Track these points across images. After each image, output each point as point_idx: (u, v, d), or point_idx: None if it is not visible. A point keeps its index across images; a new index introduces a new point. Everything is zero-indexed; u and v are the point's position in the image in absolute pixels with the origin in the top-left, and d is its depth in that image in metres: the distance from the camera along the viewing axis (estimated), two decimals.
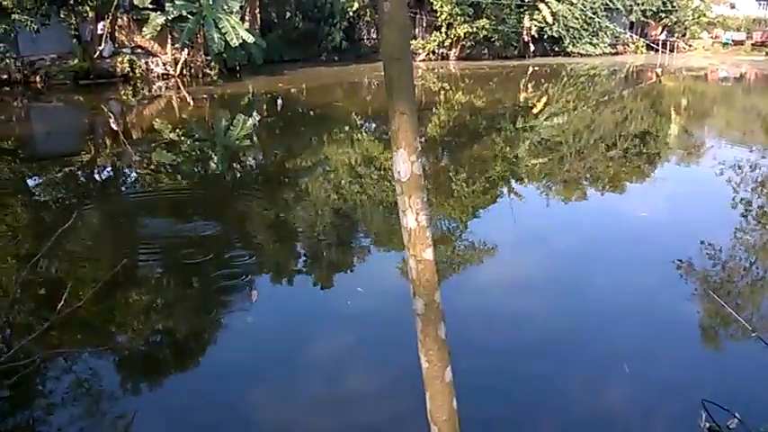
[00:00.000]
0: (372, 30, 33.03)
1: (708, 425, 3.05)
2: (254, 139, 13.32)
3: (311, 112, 17.23)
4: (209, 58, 22.84)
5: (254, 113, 16.34)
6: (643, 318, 4.60)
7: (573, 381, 3.63)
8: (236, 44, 21.53)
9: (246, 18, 25.19)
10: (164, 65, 22.91)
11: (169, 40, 22.54)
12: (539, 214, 7.72)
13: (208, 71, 23.08)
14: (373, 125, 15.24)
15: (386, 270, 5.44)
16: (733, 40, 39.41)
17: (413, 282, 1.33)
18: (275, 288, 5.32)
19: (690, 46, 39.79)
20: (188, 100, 18.79)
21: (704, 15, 39.45)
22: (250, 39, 22.05)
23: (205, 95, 19.40)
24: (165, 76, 22.65)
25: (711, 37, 40.88)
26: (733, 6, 41.99)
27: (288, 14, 29.15)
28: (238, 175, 10.18)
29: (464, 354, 3.94)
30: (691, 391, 3.29)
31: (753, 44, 38.24)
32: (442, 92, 21.37)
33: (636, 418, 3.31)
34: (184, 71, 22.88)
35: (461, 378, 3.52)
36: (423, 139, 12.68)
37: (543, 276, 5.55)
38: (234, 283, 5.36)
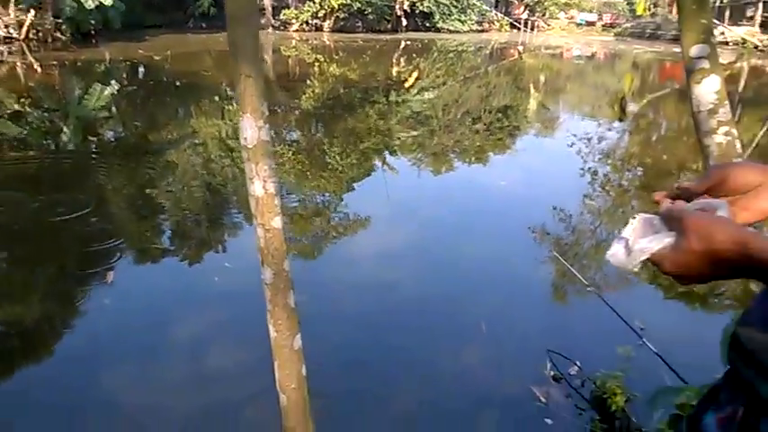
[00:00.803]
0: None
1: (552, 372, 3.37)
2: (113, 109, 12.40)
3: (177, 82, 16.32)
4: (59, 20, 20.77)
5: (113, 82, 15.18)
6: (501, 282, 4.96)
7: (435, 344, 3.85)
8: (92, 6, 19.77)
9: None
10: (6, 27, 20.51)
11: (12, 0, 20.19)
12: (411, 186, 7.96)
13: (58, 35, 21.02)
14: None
15: (254, 244, 5.35)
16: (586, 21, 42.69)
17: (261, 251, 1.34)
18: (138, 267, 5.06)
19: (548, 25, 42.54)
20: (35, 67, 17.03)
21: None
22: (107, 1, 20.34)
23: (55, 62, 17.69)
24: (7, 40, 20.33)
25: (567, 17, 43.97)
26: None
27: None
28: (95, 148, 9.46)
29: (329, 325, 4.04)
30: (539, 344, 3.61)
31: (603, 25, 41.65)
32: (316, 63, 21.15)
33: (491, 371, 3.58)
34: (31, 35, 20.66)
35: (327, 351, 3.62)
36: (297, 112, 12.53)
37: (412, 247, 5.76)
38: (90, 264, 5.02)
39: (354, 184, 7.89)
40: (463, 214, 6.83)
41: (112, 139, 10.15)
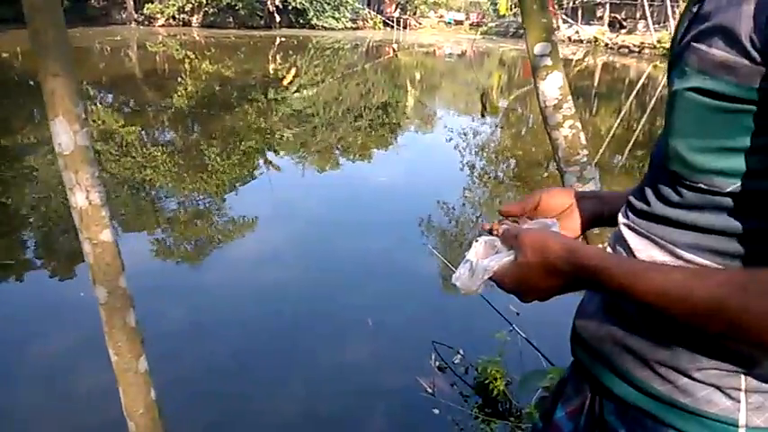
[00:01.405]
0: None
1: (437, 363, 3.43)
2: None
3: (31, 82, 14.86)
4: None
5: None
6: (386, 277, 4.99)
7: (319, 344, 3.79)
8: None
9: None
10: None
11: None
12: (295, 184, 7.82)
13: None
14: (109, 96, 13.80)
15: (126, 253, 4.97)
16: (454, 20, 44.42)
17: (91, 268, 1.19)
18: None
19: (419, 24, 43.80)
20: None
21: None
22: None
23: None
24: None
25: (437, 16, 45.51)
26: None
27: None
28: None
29: (207, 333, 3.84)
30: (424, 335, 3.65)
31: (470, 24, 43.54)
32: (187, 60, 20.23)
33: (378, 366, 3.58)
34: None
35: (204, 362, 3.42)
36: (169, 111, 11.88)
37: (296, 245, 5.66)
38: None
39: (237, 185, 7.61)
40: (348, 211, 6.81)
41: None
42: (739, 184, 0.69)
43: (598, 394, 0.87)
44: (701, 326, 0.64)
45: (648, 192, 0.81)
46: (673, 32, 0.82)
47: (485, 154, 10.17)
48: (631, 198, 0.85)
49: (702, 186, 0.72)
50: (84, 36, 22.90)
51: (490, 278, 0.82)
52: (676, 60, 0.75)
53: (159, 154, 8.70)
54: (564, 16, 36.08)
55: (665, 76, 0.89)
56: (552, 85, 2.21)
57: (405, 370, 3.46)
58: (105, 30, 25.87)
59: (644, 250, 0.79)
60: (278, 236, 5.91)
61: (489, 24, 41.53)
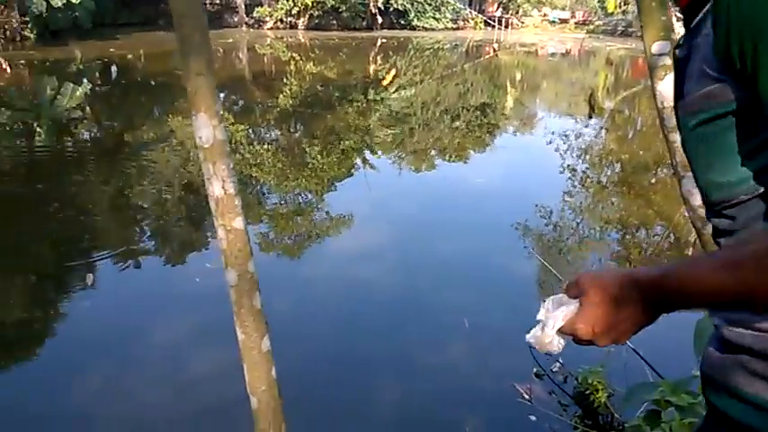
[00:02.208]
0: None
1: (535, 369, 3.36)
2: (87, 110, 12.15)
3: (151, 81, 16.07)
4: (27, 19, 20.33)
5: (85, 81, 14.88)
6: (483, 279, 4.94)
7: (416, 343, 3.83)
8: (59, 4, 19.36)
9: None
10: None
11: None
12: (391, 183, 7.92)
13: (27, 34, 20.57)
14: (221, 96, 14.62)
15: None
16: (559, 19, 43.09)
17: (224, 252, 1.28)
18: (118, 268, 4.93)
19: (522, 23, 42.87)
20: (3, 66, 16.62)
21: None
22: None
23: (24, 61, 17.30)
24: None
25: (541, 15, 44.34)
26: None
27: None
28: (70, 148, 9.24)
29: (308, 325, 3.98)
30: (522, 340, 3.57)
31: (576, 23, 42.08)
32: (293, 62, 21.00)
33: (474, 366, 3.55)
34: None
35: (305, 351, 3.55)
36: (275, 111, 12.40)
37: (392, 244, 5.73)
38: (69, 267, 4.88)
39: (335, 183, 7.82)
40: (444, 211, 6.80)
41: (87, 140, 9.94)
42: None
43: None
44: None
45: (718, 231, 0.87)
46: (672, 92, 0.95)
47: (587, 157, 9.81)
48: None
49: (744, 198, 0.79)
50: None
51: (563, 331, 0.81)
52: (678, 114, 0.89)
53: (264, 151, 9.11)
54: (678, 14, 33.93)
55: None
56: (671, 86, 2.10)
57: (501, 374, 3.41)
58: (218, 32, 27.40)
59: None
60: (375, 234, 6.01)
61: (596, 22, 39.93)
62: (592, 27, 39.16)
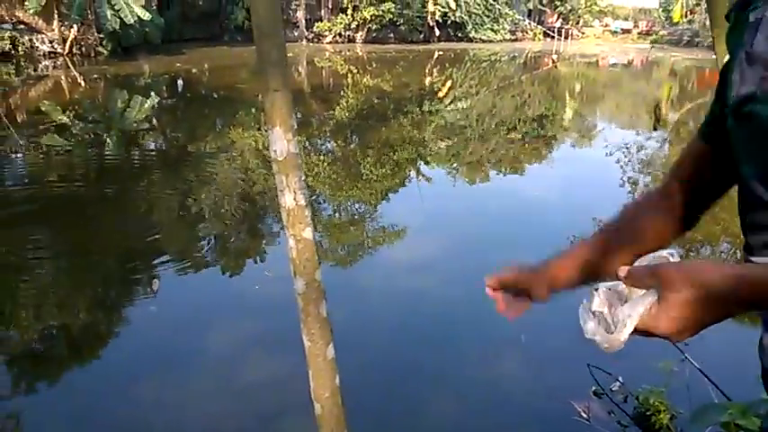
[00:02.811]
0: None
1: (593, 388, 3.28)
2: (154, 121, 12.71)
3: (214, 94, 16.65)
4: (101, 35, 21.46)
5: (153, 95, 15.57)
6: None
7: (472, 356, 3.80)
8: (132, 22, 20.37)
9: None
10: (50, 42, 21.28)
11: (56, 16, 20.93)
12: (445, 196, 7.92)
13: (100, 50, 21.70)
14: None
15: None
16: (621, 29, 42.12)
17: (292, 261, 1.33)
18: (181, 274, 5.12)
19: (583, 33, 42.11)
20: (79, 81, 17.61)
21: (595, 4, 41.81)
22: (146, 16, 20.95)
23: (98, 76, 18.24)
24: (52, 55, 21.09)
25: (602, 25, 43.44)
26: None
27: None
28: (137, 158, 9.69)
29: (363, 336, 4.01)
30: (579, 358, 3.51)
31: (639, 33, 41.02)
32: (350, 75, 21.33)
33: (530, 382, 3.51)
34: (74, 50, 21.39)
35: (361, 362, 3.59)
36: (331, 123, 12.62)
37: (446, 257, 5.71)
38: (135, 272, 5.11)
39: (389, 194, 7.88)
40: (498, 224, 6.74)
41: (153, 150, 10.39)
42: None
43: None
44: None
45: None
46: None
47: (650, 170, 9.52)
48: (750, 238, 0.83)
49: None
50: None
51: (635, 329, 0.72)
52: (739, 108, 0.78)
53: (320, 162, 9.28)
54: None
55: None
56: None
57: (558, 391, 3.35)
58: None
59: None
60: (429, 245, 6.02)
61: (660, 32, 38.79)
62: (655, 37, 38.05)
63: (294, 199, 1.21)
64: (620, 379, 3.30)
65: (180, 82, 18.01)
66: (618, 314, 0.73)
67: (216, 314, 4.46)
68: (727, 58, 2.22)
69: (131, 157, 9.77)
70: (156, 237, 6.02)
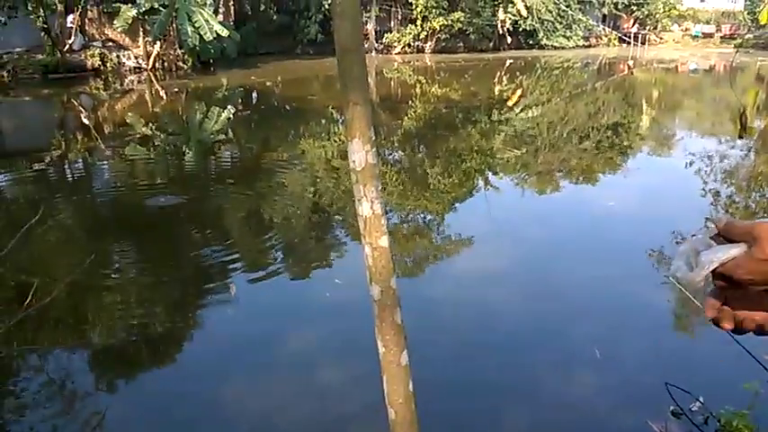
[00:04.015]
0: None
1: (672, 407, 3.14)
2: (229, 133, 13.22)
3: (287, 106, 17.14)
4: (182, 51, 22.55)
5: (229, 107, 16.20)
6: (614, 307, 4.71)
7: (543, 368, 3.71)
8: (210, 38, 21.29)
9: (220, 10, 24.92)
10: (135, 58, 22.57)
11: (141, 33, 22.18)
12: (514, 206, 7.80)
13: (181, 64, 22.79)
14: None
15: (359, 261, 5.44)
16: (703, 33, 40.19)
17: (369, 269, 1.36)
18: (255, 281, 5.30)
19: (661, 38, 40.46)
20: (161, 94, 18.57)
21: (675, 8, 40.11)
22: (224, 32, 21.83)
23: (178, 89, 19.18)
24: (137, 70, 22.34)
25: (682, 29, 41.59)
26: None
27: (262, 7, 28.88)
28: (213, 168, 10.10)
29: (434, 346, 4.00)
30: (656, 375, 3.38)
31: (722, 37, 39.03)
32: (418, 85, 21.41)
33: (605, 402, 3.39)
34: (157, 65, 22.59)
35: (432, 371, 3.58)
36: (399, 132, 12.71)
37: (517, 268, 5.63)
38: (212, 277, 5.33)
39: (456, 204, 7.85)
40: (570, 235, 6.57)
41: (228, 160, 10.81)
42: None
43: None
44: None
45: None
46: None
47: (733, 180, 9.03)
48: None
49: None
50: (332, 66, 25.63)
51: (715, 272, 0.77)
52: None
53: (389, 171, 9.36)
54: None
55: None
56: None
57: (633, 409, 3.24)
58: None
59: None
60: (498, 256, 5.94)
61: (746, 36, 36.76)
62: (740, 41, 36.08)
63: (371, 208, 1.25)
64: (701, 399, 3.14)
65: (254, 94, 18.65)
66: (702, 257, 0.78)
67: (292, 318, 4.58)
68: None
69: (207, 165, 10.19)
70: (231, 243, 6.24)
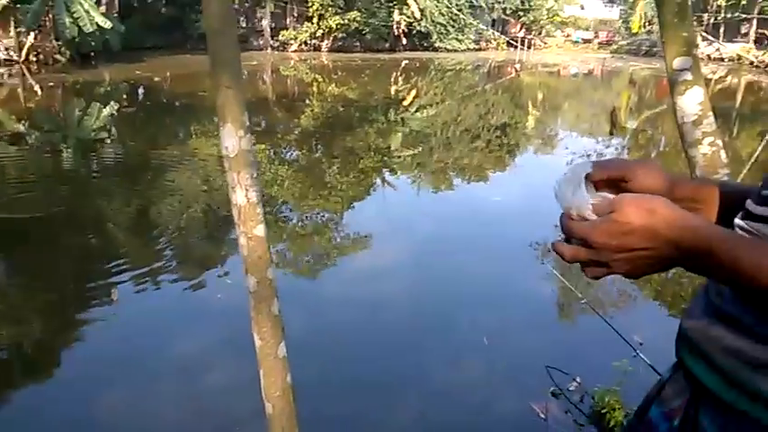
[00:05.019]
0: (242, 18, 32.08)
1: (552, 388, 3.33)
2: (113, 130, 12.45)
3: (176, 103, 16.42)
4: (59, 43, 20.96)
5: (112, 103, 15.26)
6: (501, 298, 4.93)
7: (433, 360, 3.83)
8: (91, 29, 19.95)
9: (103, 1, 23.42)
10: (6, 50, 20.70)
11: (12, 23, 20.38)
12: (410, 203, 7.96)
13: (58, 57, 21.19)
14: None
15: None
16: (582, 39, 43.17)
17: (244, 259, 1.33)
18: (141, 285, 5.01)
19: (545, 43, 42.98)
20: (35, 89, 17.16)
21: (557, 15, 42.76)
22: (106, 24, 20.55)
23: (55, 84, 17.82)
24: (8, 62, 20.52)
25: (564, 35, 44.42)
26: (583, 8, 45.94)
27: None
28: (95, 168, 9.48)
29: (326, 342, 4.00)
30: (539, 359, 3.57)
31: (599, 43, 42.08)
32: (315, 83, 21.31)
33: (491, 387, 3.55)
34: (31, 57, 20.84)
35: (322, 366, 3.57)
36: (296, 131, 12.57)
37: (410, 263, 5.74)
38: (93, 286, 4.99)
39: (354, 202, 7.88)
40: (461, 230, 6.80)
41: (112, 159, 10.17)
42: None
43: (697, 396, 0.85)
44: None
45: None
46: None
47: None
48: (749, 203, 0.80)
49: None
50: None
51: (577, 216, 0.75)
52: None
53: (285, 170, 9.23)
54: (703, 33, 33.80)
55: None
56: (692, 101, 2.12)
57: (517, 392, 3.41)
58: (243, 55, 27.33)
59: None
60: (392, 252, 6.04)
61: (620, 42, 39.85)
62: (615, 47, 39.07)
63: (246, 196, 1.21)
64: (578, 379, 3.37)
65: (141, 90, 17.71)
66: (583, 196, 0.76)
67: (178, 324, 4.38)
68: (677, 61, 2.27)
69: (88, 165, 9.55)
70: (116, 247, 5.89)
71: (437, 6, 34.14)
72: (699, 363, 0.83)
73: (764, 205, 0.78)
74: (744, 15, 33.35)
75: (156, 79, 19.49)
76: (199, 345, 4.01)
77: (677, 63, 2.14)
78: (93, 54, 21.79)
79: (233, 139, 1.18)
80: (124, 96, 16.92)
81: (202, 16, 1.12)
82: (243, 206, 1.22)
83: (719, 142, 2.17)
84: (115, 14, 23.77)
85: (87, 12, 19.96)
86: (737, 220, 0.82)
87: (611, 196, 0.76)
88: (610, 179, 0.84)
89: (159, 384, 3.55)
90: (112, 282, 4.97)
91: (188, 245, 6.10)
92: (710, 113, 2.16)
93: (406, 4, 32.35)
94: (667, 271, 0.73)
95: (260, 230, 1.28)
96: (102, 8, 22.59)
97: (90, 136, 11.54)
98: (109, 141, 11.38)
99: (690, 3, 2.20)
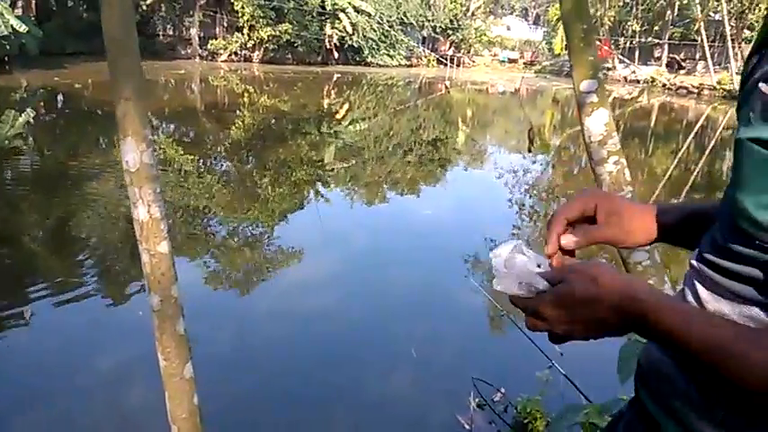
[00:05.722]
0: (169, 26, 31.23)
1: (477, 400, 3.38)
2: (29, 138, 11.78)
3: (99, 111, 15.72)
4: None
5: (29, 110, 14.44)
6: (430, 310, 4.98)
7: (362, 374, 3.82)
8: (5, 32, 18.87)
9: (19, 3, 22.23)
10: None
11: None
12: (343, 216, 7.94)
13: None
14: (171, 126, 14.41)
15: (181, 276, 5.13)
16: (509, 59, 44.67)
17: (147, 277, 1.27)
18: (57, 304, 4.73)
19: (473, 62, 44.22)
20: None
21: (485, 35, 44.12)
22: (21, 27, 19.49)
23: None
24: None
25: (491, 55, 45.85)
26: (509, 28, 47.61)
27: (71, 2, 26.32)
28: (9, 177, 8.91)
29: (254, 356, 3.91)
30: (466, 371, 3.62)
31: (524, 63, 43.65)
32: (246, 94, 20.98)
33: (418, 400, 3.57)
34: None
35: (252, 380, 3.48)
36: (227, 142, 12.31)
37: (342, 276, 5.72)
38: (3, 299, 4.66)
39: (287, 215, 7.78)
40: (393, 244, 6.85)
41: (27, 169, 9.61)
42: None
43: None
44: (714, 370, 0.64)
45: (717, 242, 0.75)
46: (741, 73, 0.76)
47: (535, 192, 10.09)
48: (703, 245, 0.79)
49: None
50: (150, 69, 24.05)
51: (518, 292, 0.75)
52: (742, 105, 0.69)
53: (214, 183, 9.00)
54: (620, 56, 35.75)
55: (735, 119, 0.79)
56: (598, 122, 2.22)
57: (446, 404, 3.44)
58: (171, 64, 27.18)
59: (712, 302, 0.74)
60: (324, 266, 5.99)
61: (544, 63, 41.50)
62: (539, 67, 40.64)
63: (148, 212, 1.16)
64: (503, 390, 3.44)
65: (60, 97, 16.87)
66: (528, 273, 0.76)
67: (94, 344, 4.16)
68: (583, 84, 2.37)
69: (2, 174, 8.97)
70: (32, 263, 5.54)
71: (368, 22, 34.46)
72: (656, 406, 0.81)
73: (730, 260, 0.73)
74: (656, 41, 35.57)
75: (77, 86, 18.64)
76: (113, 364, 3.82)
77: (584, 86, 2.24)
78: (7, 58, 20.59)
79: (134, 154, 1.13)
80: (42, 103, 16.07)
81: (102, 23, 1.05)
82: (145, 222, 1.17)
83: (623, 161, 2.28)
84: (32, 18, 22.59)
85: (1, 14, 18.88)
86: (692, 260, 0.81)
87: (546, 260, 0.80)
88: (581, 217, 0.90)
89: (67, 407, 3.35)
90: (25, 298, 4.68)
91: (109, 259, 5.82)
92: (615, 133, 2.26)
93: (338, 19, 32.47)
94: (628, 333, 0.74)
95: (163, 247, 1.22)
96: (18, 11, 21.43)
97: (3, 144, 10.85)
98: (25, 149, 10.74)
99: (596, 28, 2.32)
